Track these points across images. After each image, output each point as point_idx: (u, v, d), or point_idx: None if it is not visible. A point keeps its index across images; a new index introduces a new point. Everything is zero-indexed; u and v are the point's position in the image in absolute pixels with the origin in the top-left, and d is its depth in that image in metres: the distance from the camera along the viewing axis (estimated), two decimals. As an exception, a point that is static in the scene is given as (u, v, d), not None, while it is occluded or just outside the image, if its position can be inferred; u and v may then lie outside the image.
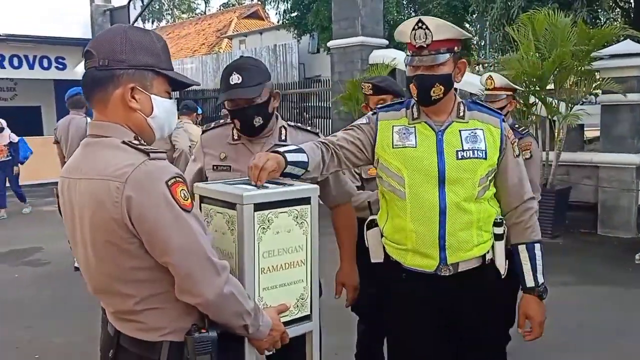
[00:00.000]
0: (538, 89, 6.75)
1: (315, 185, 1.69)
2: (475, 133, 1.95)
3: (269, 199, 1.58)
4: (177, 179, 1.34)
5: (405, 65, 1.96)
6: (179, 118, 5.19)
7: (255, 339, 1.50)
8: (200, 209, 1.72)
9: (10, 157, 8.99)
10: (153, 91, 1.43)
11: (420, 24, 1.85)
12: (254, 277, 1.56)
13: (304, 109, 12.54)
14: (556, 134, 6.94)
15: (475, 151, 1.92)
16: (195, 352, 1.36)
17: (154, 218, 1.30)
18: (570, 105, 6.80)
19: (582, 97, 7.02)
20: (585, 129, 7.89)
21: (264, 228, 1.56)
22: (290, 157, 1.82)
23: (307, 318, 1.71)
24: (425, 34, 1.84)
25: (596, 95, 7.92)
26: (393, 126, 2.00)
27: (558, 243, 6.60)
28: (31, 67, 12.95)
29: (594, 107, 7.70)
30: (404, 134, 1.97)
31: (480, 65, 19.66)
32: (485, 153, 1.93)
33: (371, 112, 2.11)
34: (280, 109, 12.68)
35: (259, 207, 1.55)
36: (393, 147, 1.97)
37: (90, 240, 1.36)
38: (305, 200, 1.64)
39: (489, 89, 3.35)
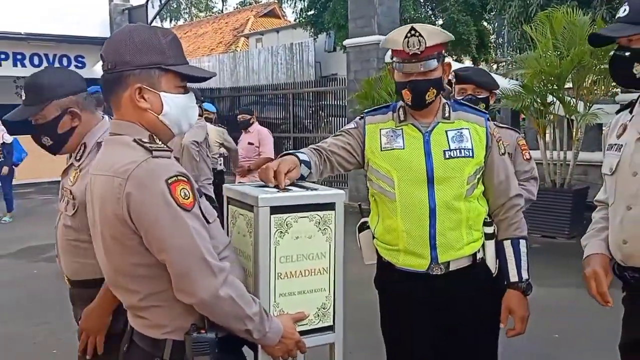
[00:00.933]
0: (556, 87, 6.68)
1: (341, 191, 1.64)
2: (462, 132, 1.99)
3: (286, 203, 1.54)
4: (179, 177, 1.35)
5: (395, 71, 1.99)
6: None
7: (264, 345, 1.48)
8: (227, 210, 1.73)
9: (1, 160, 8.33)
10: (162, 88, 1.44)
11: (413, 32, 1.87)
12: (269, 282, 1.53)
13: (319, 108, 12.54)
14: (574, 133, 6.86)
15: (462, 150, 1.96)
16: (193, 352, 1.37)
17: (151, 215, 1.32)
18: (588, 104, 6.72)
19: (602, 96, 6.92)
20: (603, 128, 7.78)
21: (281, 232, 1.53)
22: (301, 156, 1.85)
23: (329, 329, 1.64)
24: (419, 41, 1.86)
25: (615, 94, 7.82)
26: (380, 129, 2.04)
27: (575, 244, 6.52)
28: (51, 65, 13.12)
29: (613, 107, 7.60)
30: (392, 136, 2.01)
31: (498, 63, 19.52)
32: (472, 152, 1.97)
33: (359, 117, 2.14)
34: (296, 107, 12.71)
35: (276, 210, 1.51)
36: (382, 150, 2.00)
37: (100, 233, 1.41)
38: (329, 206, 1.58)
39: None
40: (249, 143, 6.34)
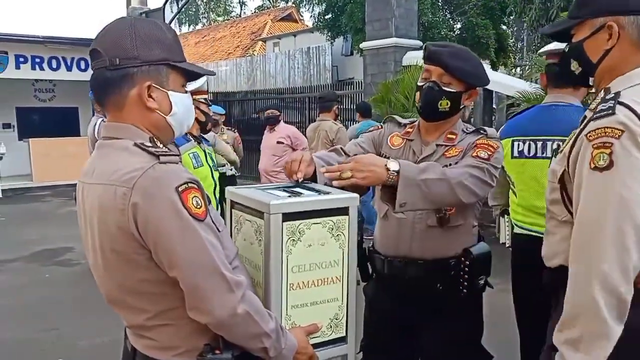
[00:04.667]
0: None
1: (355, 194, 1.54)
2: None
3: (300, 209, 1.44)
4: (190, 184, 1.23)
5: None
6: None
7: None
8: (231, 215, 1.63)
9: None
10: (170, 87, 1.34)
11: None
12: (281, 294, 1.44)
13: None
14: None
15: None
16: None
17: (160, 227, 1.20)
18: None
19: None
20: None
21: (293, 240, 1.43)
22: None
23: (341, 340, 1.56)
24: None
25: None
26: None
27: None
28: (69, 68, 13.19)
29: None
30: None
31: (518, 67, 19.27)
32: None
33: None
34: (313, 110, 12.61)
35: (289, 216, 1.41)
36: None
37: (99, 248, 1.28)
38: (343, 211, 1.49)
39: None
40: (278, 142, 6.11)
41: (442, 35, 13.00)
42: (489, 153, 1.85)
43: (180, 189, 1.21)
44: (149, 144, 1.28)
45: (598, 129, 1.30)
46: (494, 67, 15.53)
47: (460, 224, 1.95)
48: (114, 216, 1.22)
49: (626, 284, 1.25)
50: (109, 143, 1.33)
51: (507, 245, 2.78)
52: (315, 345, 1.49)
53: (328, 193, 1.55)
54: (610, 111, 1.30)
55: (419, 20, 10.05)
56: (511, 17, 14.73)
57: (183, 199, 1.20)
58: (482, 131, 1.95)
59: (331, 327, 1.54)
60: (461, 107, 1.95)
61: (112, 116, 1.35)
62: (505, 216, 2.78)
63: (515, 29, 17.85)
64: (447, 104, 1.90)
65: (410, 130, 2.07)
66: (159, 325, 1.30)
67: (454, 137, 1.97)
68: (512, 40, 18.37)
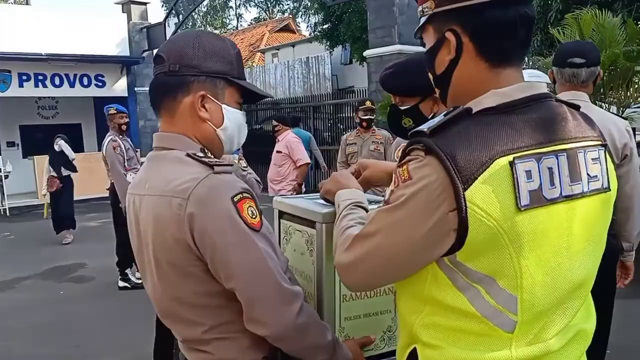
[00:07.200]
0: (586, 92, 6.51)
1: None
2: None
3: None
4: (245, 194, 1.22)
5: None
6: None
7: None
8: (279, 226, 1.61)
9: None
10: (224, 101, 1.34)
11: None
12: (334, 305, 1.41)
13: (338, 120, 12.47)
14: (607, 138, 6.66)
15: None
16: None
17: (217, 238, 1.18)
18: (621, 108, 6.54)
19: (637, 99, 6.75)
20: (637, 132, 7.58)
21: None
22: None
23: (395, 353, 1.55)
24: None
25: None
26: None
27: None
28: (72, 85, 13.22)
29: (647, 110, 7.40)
30: None
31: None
32: None
33: None
34: (314, 120, 12.63)
35: None
36: None
37: (154, 261, 1.27)
38: None
39: None
40: (277, 151, 6.22)
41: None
42: None
43: (235, 199, 1.20)
44: (201, 155, 1.28)
45: None
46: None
47: None
48: (170, 228, 1.20)
49: None
50: (161, 154, 1.32)
51: None
52: (369, 359, 1.46)
53: (379, 203, 1.53)
54: None
55: (420, 27, 10.06)
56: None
57: (239, 209, 1.19)
58: None
59: (384, 339, 1.50)
60: (431, 114, 1.91)
61: (164, 122, 1.35)
62: None
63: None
64: (410, 121, 1.93)
65: None
66: (216, 338, 1.28)
67: None
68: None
